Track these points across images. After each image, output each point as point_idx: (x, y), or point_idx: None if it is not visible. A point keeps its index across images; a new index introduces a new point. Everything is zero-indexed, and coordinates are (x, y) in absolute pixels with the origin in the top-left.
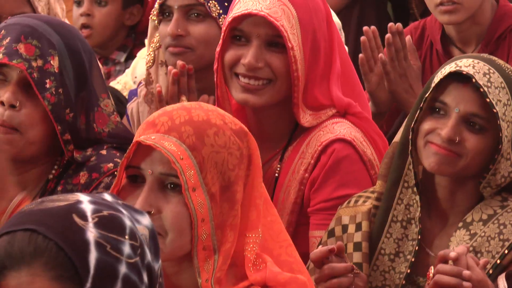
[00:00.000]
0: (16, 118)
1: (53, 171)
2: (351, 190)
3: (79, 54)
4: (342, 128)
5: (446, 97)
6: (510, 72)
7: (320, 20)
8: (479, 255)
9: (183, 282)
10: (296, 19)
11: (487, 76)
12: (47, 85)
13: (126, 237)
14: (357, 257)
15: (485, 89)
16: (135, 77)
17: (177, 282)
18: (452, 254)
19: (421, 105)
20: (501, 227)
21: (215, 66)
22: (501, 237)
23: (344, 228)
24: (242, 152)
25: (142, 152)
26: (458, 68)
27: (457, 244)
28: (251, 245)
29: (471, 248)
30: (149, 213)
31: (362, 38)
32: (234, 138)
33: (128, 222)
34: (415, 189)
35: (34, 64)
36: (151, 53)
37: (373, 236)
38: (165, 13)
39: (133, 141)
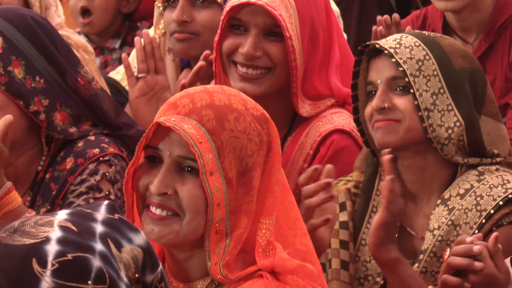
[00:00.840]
0: None
1: (42, 162)
2: None
3: (29, 27)
4: (341, 119)
5: (371, 76)
6: (432, 35)
7: (319, 9)
8: (457, 228)
9: (193, 267)
10: (295, 9)
11: (397, 40)
12: None
13: (89, 282)
14: (343, 235)
15: (391, 51)
16: (134, 67)
17: (187, 268)
18: (468, 239)
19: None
20: (478, 198)
21: (213, 55)
22: (478, 208)
23: None
24: (261, 139)
25: (161, 132)
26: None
27: (436, 220)
28: (263, 231)
29: (449, 223)
30: (165, 194)
31: (374, 27)
32: (254, 124)
33: (96, 264)
34: None
35: None
36: (157, 40)
37: (354, 227)
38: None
39: (153, 122)
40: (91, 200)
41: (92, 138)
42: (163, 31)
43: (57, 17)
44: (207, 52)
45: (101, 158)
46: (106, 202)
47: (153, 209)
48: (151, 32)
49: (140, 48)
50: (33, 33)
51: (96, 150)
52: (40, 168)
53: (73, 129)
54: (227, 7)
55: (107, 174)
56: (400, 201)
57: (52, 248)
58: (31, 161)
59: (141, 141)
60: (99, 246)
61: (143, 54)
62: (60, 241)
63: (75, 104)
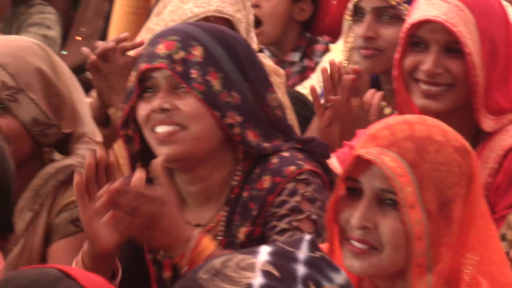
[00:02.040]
0: (176, 116)
1: (236, 177)
2: None
3: (228, 43)
4: None
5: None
6: None
7: (498, 24)
8: None
9: None
10: (474, 25)
11: None
12: (193, 75)
13: None
14: None
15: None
16: (321, 81)
17: None
18: None
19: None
20: None
21: (394, 72)
22: None
23: None
24: (462, 170)
25: (362, 164)
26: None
27: None
28: (468, 266)
29: None
30: (365, 227)
31: None
32: (455, 155)
33: None
34: None
35: (176, 57)
36: (346, 53)
37: None
38: (358, 14)
39: (353, 154)
40: (294, 223)
41: (287, 154)
42: (352, 44)
43: (253, 43)
44: (355, 67)
45: (298, 177)
46: (307, 237)
47: (353, 242)
48: (336, 47)
49: (327, 78)
50: (232, 49)
51: (293, 168)
52: (235, 183)
53: (266, 144)
54: (407, 25)
55: (306, 193)
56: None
57: None
58: (225, 177)
59: (342, 173)
60: (313, 272)
61: (330, 84)
62: (265, 286)
63: (264, 125)
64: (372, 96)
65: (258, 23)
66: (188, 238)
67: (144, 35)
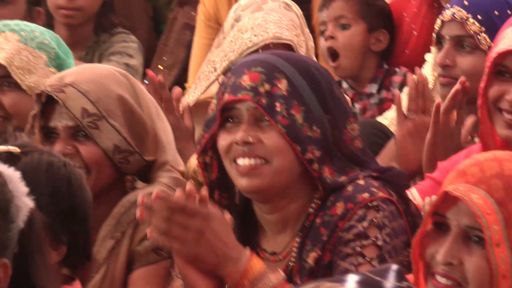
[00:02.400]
0: (259, 150)
1: (313, 205)
2: None
3: (311, 74)
4: None
5: None
6: None
7: None
8: None
9: None
10: None
11: None
12: (278, 108)
13: None
14: None
15: None
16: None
17: None
18: None
19: None
20: None
21: (478, 101)
22: None
23: None
24: None
25: (450, 200)
26: None
27: None
28: None
29: None
30: (451, 264)
31: None
32: None
33: None
34: None
35: (261, 89)
36: (433, 80)
37: None
38: (439, 42)
39: (442, 190)
40: (358, 248)
41: (362, 182)
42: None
43: None
44: (462, 79)
45: (369, 204)
46: (394, 267)
47: (438, 277)
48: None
49: (413, 86)
50: (315, 81)
51: (366, 195)
52: (311, 210)
53: (342, 178)
54: (493, 54)
55: (374, 220)
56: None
57: None
58: (302, 206)
59: (429, 208)
60: None
61: (415, 92)
62: None
63: (340, 160)
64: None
65: (335, 56)
66: (237, 258)
67: (205, 67)
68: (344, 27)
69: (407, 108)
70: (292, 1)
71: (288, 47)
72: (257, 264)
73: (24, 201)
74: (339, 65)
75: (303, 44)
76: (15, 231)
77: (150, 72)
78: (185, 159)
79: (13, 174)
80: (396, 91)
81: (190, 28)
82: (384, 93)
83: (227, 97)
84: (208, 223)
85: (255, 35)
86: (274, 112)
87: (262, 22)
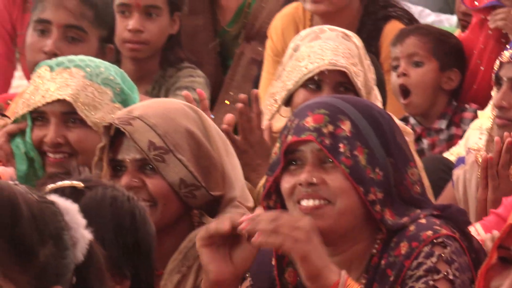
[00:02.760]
0: (323, 191)
1: (376, 246)
2: None
3: (374, 118)
4: None
5: None
6: None
7: None
8: None
9: None
10: None
11: None
12: (341, 149)
13: None
14: None
15: None
16: (468, 148)
17: None
18: None
19: None
20: None
21: None
22: None
23: None
24: None
25: None
26: None
27: None
28: None
29: None
30: None
31: None
32: None
33: None
34: None
35: (324, 130)
36: (491, 120)
37: None
38: (498, 83)
39: (507, 223)
40: (431, 282)
41: (423, 221)
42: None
43: (377, 101)
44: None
45: (434, 240)
46: None
47: None
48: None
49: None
50: (378, 124)
51: (429, 233)
52: (374, 251)
53: (404, 219)
54: None
55: (442, 255)
56: None
57: None
58: (365, 248)
59: (495, 242)
60: None
61: (499, 157)
62: None
63: (399, 203)
64: None
65: (406, 92)
66: (338, 271)
67: (266, 101)
68: (417, 64)
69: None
70: (353, 33)
71: (344, 74)
72: (354, 285)
73: (82, 233)
74: (410, 102)
75: (361, 74)
76: (70, 260)
77: (255, 93)
78: (260, 176)
79: (70, 206)
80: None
81: (257, 63)
82: (453, 130)
83: (290, 138)
84: (307, 235)
85: (311, 62)
86: (337, 153)
87: (319, 49)
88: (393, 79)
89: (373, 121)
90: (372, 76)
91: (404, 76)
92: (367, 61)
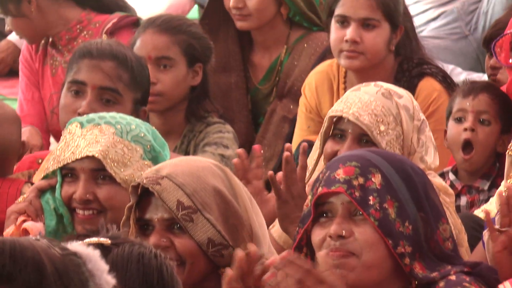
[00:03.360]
0: (351, 243)
1: None
2: None
3: (406, 172)
4: None
5: None
6: None
7: None
8: None
9: None
10: None
11: None
12: (371, 202)
13: None
14: None
15: None
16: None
17: None
18: None
19: None
20: None
21: None
22: None
23: None
24: None
25: None
26: None
27: None
28: None
29: None
30: None
31: None
32: None
33: None
34: None
35: (355, 183)
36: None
37: None
38: None
39: None
40: None
41: (453, 277)
42: None
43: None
44: None
45: None
46: None
47: None
48: None
49: (504, 202)
50: (410, 179)
51: None
52: None
53: (434, 274)
54: None
55: None
56: None
57: None
58: None
59: None
60: None
61: (507, 208)
62: None
63: (430, 258)
64: None
65: (469, 148)
66: None
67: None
68: (483, 122)
69: (500, 224)
70: (401, 92)
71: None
72: None
73: (106, 279)
74: (471, 158)
75: (392, 134)
76: None
77: (303, 145)
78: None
79: (92, 253)
80: (485, 210)
81: (288, 121)
82: (494, 192)
83: (321, 190)
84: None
85: (339, 107)
86: (367, 206)
87: (351, 99)
88: (456, 131)
89: (404, 175)
90: (420, 137)
91: (472, 132)
92: (416, 122)
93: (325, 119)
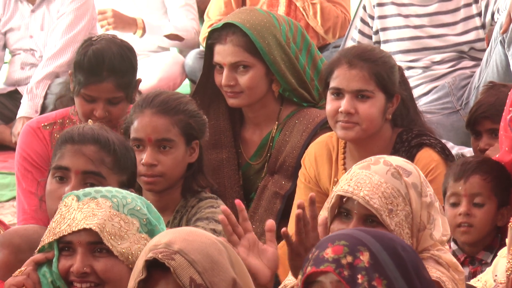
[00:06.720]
0: None
1: None
2: None
3: (395, 251)
4: None
5: None
6: None
7: None
8: None
9: None
10: None
11: None
12: (359, 280)
13: None
14: None
15: None
16: (495, 275)
17: None
18: None
19: None
20: None
21: None
22: None
23: None
24: None
25: None
26: None
27: None
28: None
29: None
30: None
31: None
32: None
33: None
34: None
35: (343, 261)
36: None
37: None
38: None
39: None
40: None
41: None
42: None
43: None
44: None
45: None
46: None
47: None
48: None
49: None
50: (399, 258)
51: None
52: None
53: None
54: None
55: None
56: None
57: None
58: None
59: None
60: None
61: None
62: None
63: None
64: None
65: (468, 227)
66: None
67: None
68: (478, 205)
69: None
70: (411, 168)
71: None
72: None
73: None
74: (471, 237)
75: (401, 214)
76: None
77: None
78: None
79: None
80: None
81: (280, 196)
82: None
83: (310, 269)
84: None
85: (349, 185)
86: (356, 284)
87: (362, 178)
88: (451, 214)
89: (395, 254)
90: (430, 212)
91: (468, 216)
92: (424, 199)
93: (332, 195)
